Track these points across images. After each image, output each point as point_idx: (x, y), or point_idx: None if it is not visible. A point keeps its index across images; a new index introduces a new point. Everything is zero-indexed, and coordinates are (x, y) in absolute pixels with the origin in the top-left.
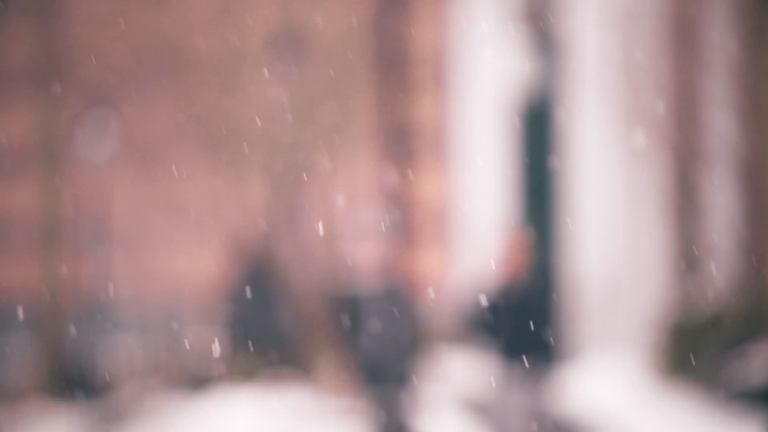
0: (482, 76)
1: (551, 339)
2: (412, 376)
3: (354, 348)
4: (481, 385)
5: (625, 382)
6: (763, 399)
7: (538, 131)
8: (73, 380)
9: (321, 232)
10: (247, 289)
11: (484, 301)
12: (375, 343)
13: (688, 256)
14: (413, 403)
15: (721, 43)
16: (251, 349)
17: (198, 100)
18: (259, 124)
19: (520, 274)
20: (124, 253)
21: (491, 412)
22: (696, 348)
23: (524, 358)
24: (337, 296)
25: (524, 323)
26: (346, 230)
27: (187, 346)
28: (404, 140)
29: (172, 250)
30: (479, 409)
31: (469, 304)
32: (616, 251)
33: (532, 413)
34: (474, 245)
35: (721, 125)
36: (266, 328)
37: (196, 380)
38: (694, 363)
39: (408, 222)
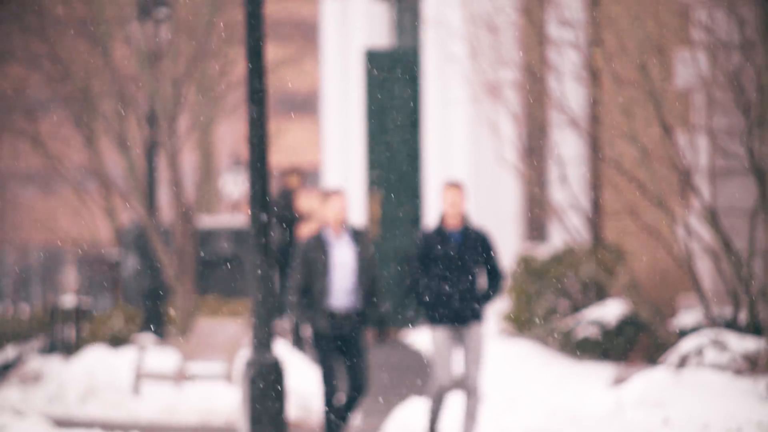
0: (351, 40)
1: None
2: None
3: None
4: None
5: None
6: (599, 353)
7: (396, 93)
8: None
9: (197, 189)
10: (124, 249)
11: (417, 252)
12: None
13: (535, 220)
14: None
15: (571, 16)
16: (127, 310)
17: (66, 58)
18: (133, 84)
19: (456, 226)
20: None
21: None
22: (540, 306)
23: (454, 313)
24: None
25: (458, 275)
26: (224, 187)
27: (61, 308)
28: (279, 100)
29: (48, 210)
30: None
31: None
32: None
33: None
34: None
35: (570, 95)
36: (145, 288)
37: (69, 343)
38: (537, 320)
39: (285, 178)
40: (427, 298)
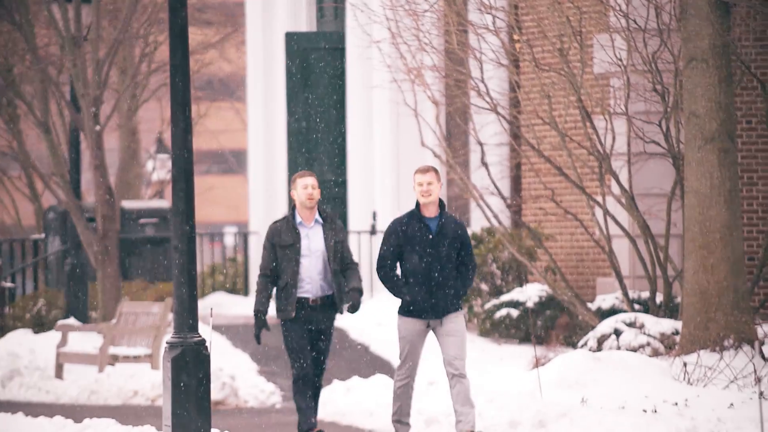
0: (274, 25)
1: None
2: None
3: None
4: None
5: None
6: (519, 335)
7: (319, 76)
8: None
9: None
10: (48, 232)
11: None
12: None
13: (458, 204)
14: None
15: (491, 1)
16: (50, 293)
17: None
18: (55, 67)
19: (432, 213)
20: None
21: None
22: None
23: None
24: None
25: (434, 265)
26: (150, 173)
27: None
28: (202, 84)
29: None
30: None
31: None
32: (385, 201)
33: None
34: (269, 181)
35: (491, 80)
36: (68, 272)
37: None
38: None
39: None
40: (401, 290)
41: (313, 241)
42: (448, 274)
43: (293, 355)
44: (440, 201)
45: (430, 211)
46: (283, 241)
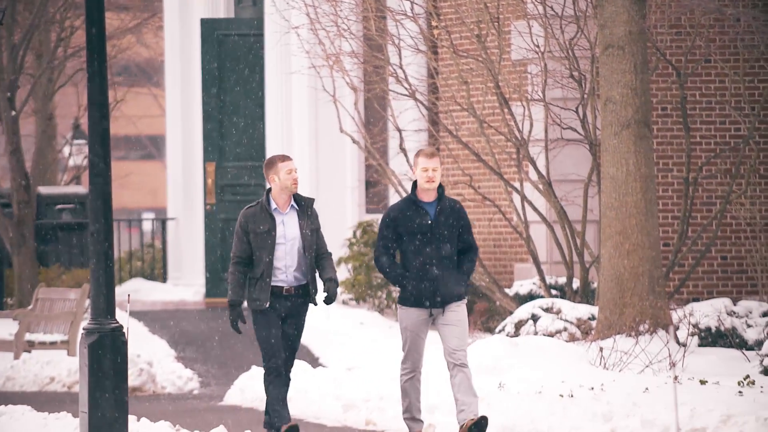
0: (192, 11)
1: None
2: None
3: None
4: None
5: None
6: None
7: (237, 62)
8: None
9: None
10: None
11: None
12: None
13: (376, 190)
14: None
15: None
16: None
17: None
18: None
19: (431, 197)
20: None
21: None
22: (378, 275)
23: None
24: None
25: (435, 252)
26: (67, 159)
27: None
28: (119, 69)
29: None
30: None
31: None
32: (303, 188)
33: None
34: (188, 167)
35: (409, 66)
36: None
37: None
38: (375, 289)
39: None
40: (402, 279)
41: (288, 228)
42: (449, 259)
43: (266, 347)
44: (439, 184)
45: (429, 196)
46: (258, 228)
